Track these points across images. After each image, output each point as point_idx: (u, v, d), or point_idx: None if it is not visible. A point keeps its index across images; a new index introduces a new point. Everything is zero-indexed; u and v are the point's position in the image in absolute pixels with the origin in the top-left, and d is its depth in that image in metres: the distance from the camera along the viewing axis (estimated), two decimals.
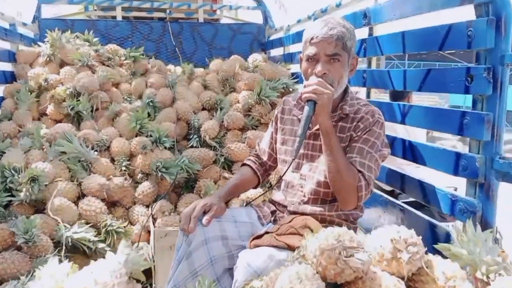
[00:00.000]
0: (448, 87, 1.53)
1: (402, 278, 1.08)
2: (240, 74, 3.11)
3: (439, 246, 1.22)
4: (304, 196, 1.69)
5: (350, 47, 1.59)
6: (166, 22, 3.77)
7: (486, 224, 1.40)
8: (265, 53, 3.77)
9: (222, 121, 2.73)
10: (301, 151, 1.72)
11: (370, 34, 2.14)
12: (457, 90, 1.48)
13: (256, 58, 3.37)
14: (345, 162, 1.53)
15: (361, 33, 2.19)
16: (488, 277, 1.11)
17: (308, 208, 1.68)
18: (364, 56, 2.16)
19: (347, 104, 1.66)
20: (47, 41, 3.01)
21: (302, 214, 1.67)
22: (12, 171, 2.06)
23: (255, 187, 1.97)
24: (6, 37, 2.90)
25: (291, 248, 1.44)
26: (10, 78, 2.96)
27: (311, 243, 1.13)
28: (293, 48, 3.38)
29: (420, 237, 1.12)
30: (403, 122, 1.84)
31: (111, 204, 2.33)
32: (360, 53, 2.16)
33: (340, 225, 1.69)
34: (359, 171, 1.54)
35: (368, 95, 2.19)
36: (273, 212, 1.80)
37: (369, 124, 1.60)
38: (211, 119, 2.79)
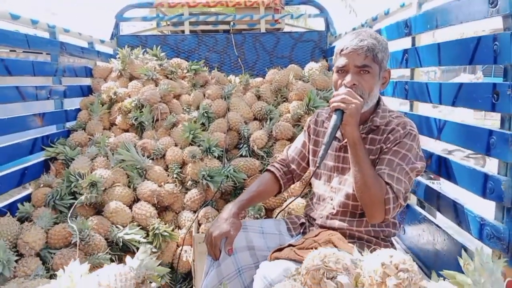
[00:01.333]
0: (476, 103, 1.43)
1: None
2: (294, 84, 3.14)
3: (445, 272, 1.16)
4: (334, 208, 1.68)
5: (382, 60, 1.55)
6: (230, 34, 3.93)
7: None
8: (327, 61, 3.75)
9: (271, 131, 2.78)
10: (332, 163, 1.72)
11: (413, 44, 2.05)
12: (484, 106, 1.38)
13: (312, 67, 3.37)
14: (372, 174, 1.48)
15: (405, 43, 2.12)
16: None
17: (336, 223, 1.66)
18: (406, 67, 2.08)
19: (378, 116, 1.62)
20: (119, 57, 3.33)
21: (330, 228, 1.67)
22: (77, 176, 2.33)
23: (275, 195, 1.97)
24: (83, 55, 3.25)
25: None
26: (87, 91, 3.33)
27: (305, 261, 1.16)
28: None
29: (415, 264, 1.09)
30: (438, 137, 1.74)
31: (164, 209, 2.52)
32: (402, 64, 2.09)
33: (369, 242, 1.66)
34: (387, 183, 1.48)
35: (411, 108, 2.10)
36: (302, 224, 1.82)
37: (400, 136, 1.55)
38: (261, 129, 2.86)
